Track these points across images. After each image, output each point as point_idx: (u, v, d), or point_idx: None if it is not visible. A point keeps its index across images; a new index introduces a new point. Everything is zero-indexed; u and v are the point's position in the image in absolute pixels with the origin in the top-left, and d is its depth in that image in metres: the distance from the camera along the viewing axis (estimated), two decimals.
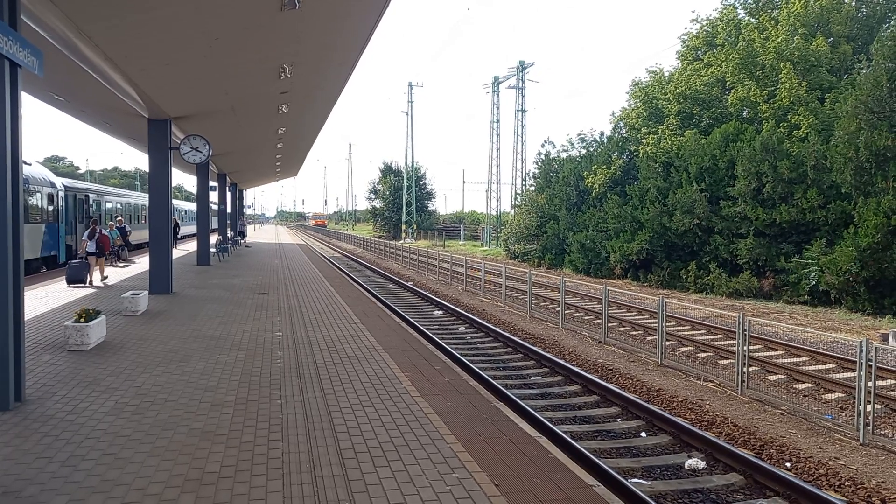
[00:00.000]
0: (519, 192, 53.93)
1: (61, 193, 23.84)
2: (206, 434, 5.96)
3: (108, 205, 31.26)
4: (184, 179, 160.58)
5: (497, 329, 15.45)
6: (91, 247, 16.80)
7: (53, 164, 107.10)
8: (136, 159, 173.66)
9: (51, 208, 22.70)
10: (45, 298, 14.25)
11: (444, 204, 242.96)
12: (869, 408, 8.32)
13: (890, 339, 14.64)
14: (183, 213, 51.86)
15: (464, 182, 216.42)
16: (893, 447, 8.04)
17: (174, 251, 22.88)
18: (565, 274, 32.02)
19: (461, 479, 5.19)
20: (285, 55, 12.20)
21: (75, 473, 5.00)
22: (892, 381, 10.94)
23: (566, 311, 17.04)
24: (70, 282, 16.43)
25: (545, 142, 66.34)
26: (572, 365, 12.05)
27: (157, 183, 15.71)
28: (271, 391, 7.45)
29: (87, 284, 16.57)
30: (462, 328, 16.35)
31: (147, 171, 16.17)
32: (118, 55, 10.24)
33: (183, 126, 17.04)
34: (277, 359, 9.11)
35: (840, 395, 10.39)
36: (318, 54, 13.27)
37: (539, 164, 45.23)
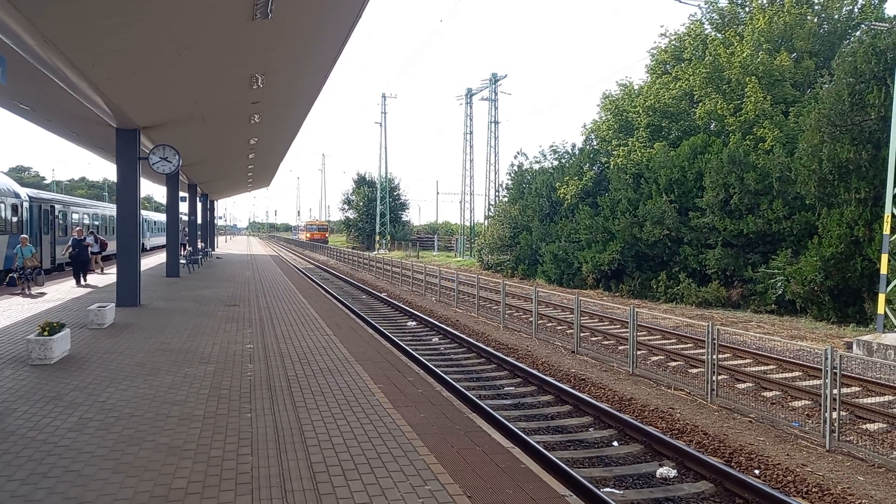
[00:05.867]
0: (492, 202, 54.26)
1: (26, 204, 23.32)
2: (172, 449, 5.83)
3: (75, 216, 30.63)
4: (153, 190, 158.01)
5: (471, 340, 15.44)
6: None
7: (18, 174, 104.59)
8: (104, 169, 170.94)
9: (15, 219, 22.17)
10: (7, 311, 13.86)
11: (418, 215, 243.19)
12: (834, 415, 8.48)
13: (854, 347, 14.99)
14: (152, 223, 51.10)
15: (437, 193, 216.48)
16: (858, 453, 8.20)
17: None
18: (538, 284, 32.20)
19: (433, 491, 5.15)
20: (257, 65, 12.12)
21: (36, 492, 4.84)
22: (857, 389, 11.19)
23: (539, 322, 17.11)
24: None
25: (518, 153, 67.18)
26: (545, 375, 12.08)
27: (125, 193, 15.44)
28: (241, 405, 7.33)
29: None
30: (436, 339, 16.31)
31: (115, 181, 15.88)
32: (84, 63, 10.06)
33: (152, 135, 16.80)
34: (248, 371, 8.97)
35: (806, 402, 10.58)
36: (291, 64, 13.22)
37: (512, 175, 45.61)
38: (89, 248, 20.61)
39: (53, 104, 14.03)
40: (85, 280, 19.76)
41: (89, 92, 11.69)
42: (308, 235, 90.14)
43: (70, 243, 19.89)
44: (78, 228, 22.54)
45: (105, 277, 22.09)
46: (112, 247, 32.52)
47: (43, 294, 17.09)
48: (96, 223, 34.15)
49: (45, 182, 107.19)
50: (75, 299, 16.26)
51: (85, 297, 16.69)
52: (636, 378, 12.22)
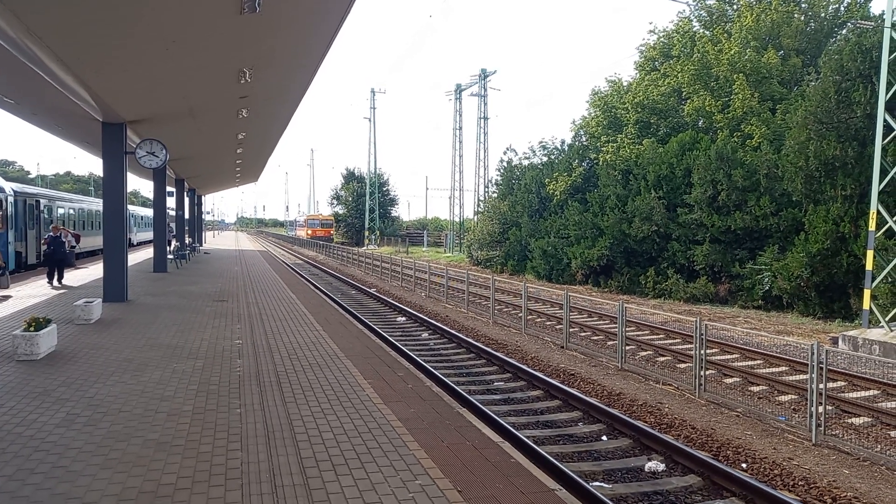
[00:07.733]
0: (482, 198, 54.25)
1: (10, 199, 23.04)
2: (161, 445, 5.80)
3: (61, 210, 30.33)
4: (140, 185, 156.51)
5: (460, 335, 15.45)
6: None
7: (3, 168, 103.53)
8: (89, 164, 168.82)
9: None
10: None
11: (407, 210, 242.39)
12: (820, 409, 8.57)
13: (840, 342, 15.14)
14: (139, 218, 50.72)
15: (427, 189, 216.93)
16: (844, 447, 8.30)
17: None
18: (527, 280, 32.25)
19: (424, 485, 5.15)
20: (245, 59, 12.03)
21: (23, 488, 4.80)
22: (842, 383, 11.31)
23: (528, 317, 17.15)
24: None
25: (507, 149, 67.15)
26: (535, 370, 12.12)
27: (111, 188, 15.30)
28: (230, 400, 7.30)
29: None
30: (425, 334, 16.31)
31: (101, 175, 15.74)
32: (70, 57, 9.95)
33: (139, 130, 16.65)
34: (237, 367, 8.94)
35: (793, 396, 10.68)
36: (279, 59, 13.13)
37: (501, 171, 45.59)
38: (67, 244, 19.08)
39: (38, 97, 13.87)
40: (61, 280, 18.41)
41: (75, 85, 11.57)
42: (309, 232, 75.47)
43: (46, 239, 18.62)
44: (54, 225, 20.81)
45: (79, 276, 21.85)
46: (94, 242, 32.34)
47: (7, 298, 15.34)
48: (81, 218, 33.85)
49: (29, 176, 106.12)
50: (60, 295, 16.08)
51: (59, 297, 16.49)
52: (625, 373, 12.29)
